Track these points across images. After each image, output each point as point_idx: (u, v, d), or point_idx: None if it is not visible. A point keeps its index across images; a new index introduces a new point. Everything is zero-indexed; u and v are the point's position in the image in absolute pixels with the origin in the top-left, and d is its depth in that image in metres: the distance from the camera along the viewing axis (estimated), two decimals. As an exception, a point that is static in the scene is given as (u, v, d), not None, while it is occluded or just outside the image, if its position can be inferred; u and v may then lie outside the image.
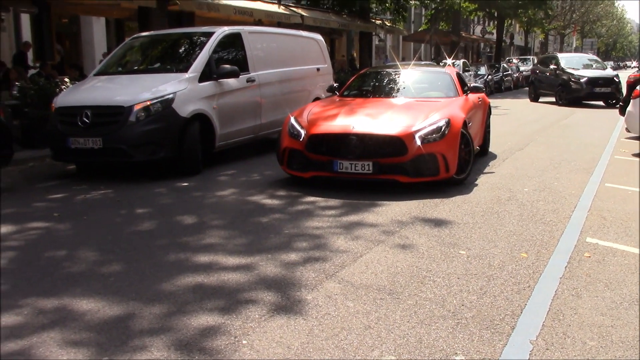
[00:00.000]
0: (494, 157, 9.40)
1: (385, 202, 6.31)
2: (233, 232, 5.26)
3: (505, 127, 13.53)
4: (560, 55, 22.87)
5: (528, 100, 23.61)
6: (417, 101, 8.00)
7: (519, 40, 61.26)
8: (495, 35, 44.87)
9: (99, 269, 4.35)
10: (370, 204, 6.24)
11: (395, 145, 6.68)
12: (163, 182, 7.59)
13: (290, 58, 10.69)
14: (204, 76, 8.36)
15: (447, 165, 6.78)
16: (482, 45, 57.32)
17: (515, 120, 15.64)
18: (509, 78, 33.24)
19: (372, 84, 9.29)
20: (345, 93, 8.92)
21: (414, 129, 6.76)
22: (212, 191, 7.07)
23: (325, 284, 3.98)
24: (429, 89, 8.73)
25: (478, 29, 52.46)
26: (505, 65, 35.44)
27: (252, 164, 9.07)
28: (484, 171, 8.13)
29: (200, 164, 8.11)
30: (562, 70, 21.07)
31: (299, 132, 7.15)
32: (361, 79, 9.59)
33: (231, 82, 8.80)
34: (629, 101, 10.48)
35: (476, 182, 7.36)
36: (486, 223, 5.54)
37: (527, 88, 28.97)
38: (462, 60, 28.88)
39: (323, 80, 11.50)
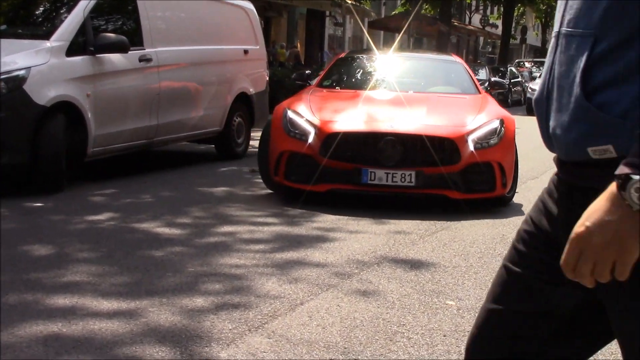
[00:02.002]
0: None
1: (337, 235, 6.39)
2: (110, 269, 5.17)
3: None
4: None
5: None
6: (440, 96, 8.56)
7: (533, 37, 63.44)
8: (500, 29, 46.35)
9: None
10: (314, 237, 6.31)
11: (445, 150, 7.23)
12: (6, 200, 7.42)
13: (206, 33, 10.72)
14: (75, 48, 8.26)
15: (504, 178, 7.42)
16: (481, 40, 59.09)
17: (527, 141, 15.92)
18: (519, 87, 34.06)
19: (360, 73, 9.72)
20: (326, 83, 9.26)
21: (466, 128, 7.31)
22: (80, 214, 6.96)
23: (248, 338, 3.94)
24: (440, 83, 9.29)
25: (476, 18, 54.10)
26: (514, 69, 36.48)
27: (141, 181, 8.98)
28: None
29: (63, 176, 7.97)
30: None
31: (304, 129, 7.42)
32: (340, 67, 10.02)
33: (116, 59, 8.73)
34: None
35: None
36: (485, 267, 5.62)
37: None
38: (453, 59, 29.59)
39: (252, 67, 11.59)
